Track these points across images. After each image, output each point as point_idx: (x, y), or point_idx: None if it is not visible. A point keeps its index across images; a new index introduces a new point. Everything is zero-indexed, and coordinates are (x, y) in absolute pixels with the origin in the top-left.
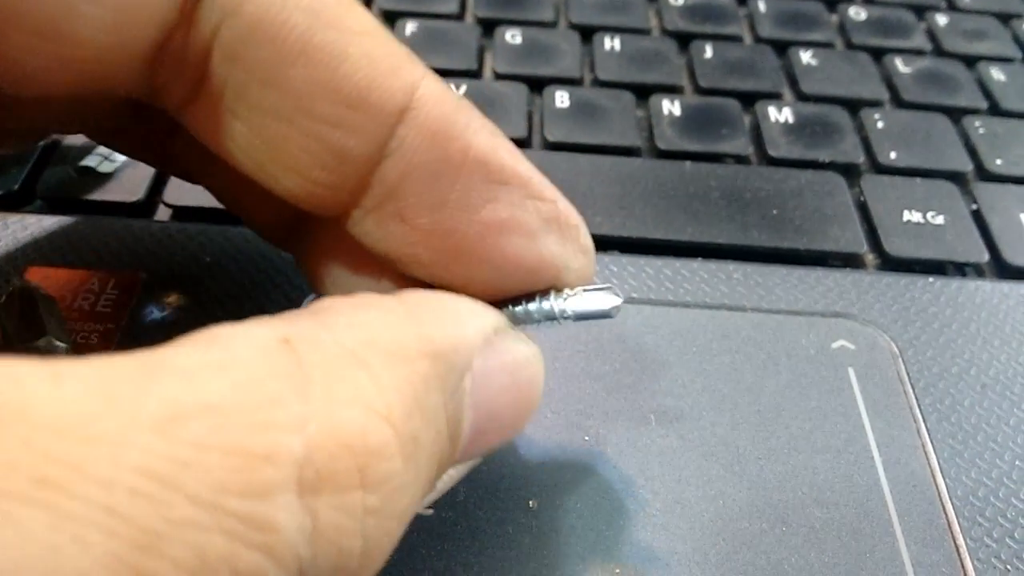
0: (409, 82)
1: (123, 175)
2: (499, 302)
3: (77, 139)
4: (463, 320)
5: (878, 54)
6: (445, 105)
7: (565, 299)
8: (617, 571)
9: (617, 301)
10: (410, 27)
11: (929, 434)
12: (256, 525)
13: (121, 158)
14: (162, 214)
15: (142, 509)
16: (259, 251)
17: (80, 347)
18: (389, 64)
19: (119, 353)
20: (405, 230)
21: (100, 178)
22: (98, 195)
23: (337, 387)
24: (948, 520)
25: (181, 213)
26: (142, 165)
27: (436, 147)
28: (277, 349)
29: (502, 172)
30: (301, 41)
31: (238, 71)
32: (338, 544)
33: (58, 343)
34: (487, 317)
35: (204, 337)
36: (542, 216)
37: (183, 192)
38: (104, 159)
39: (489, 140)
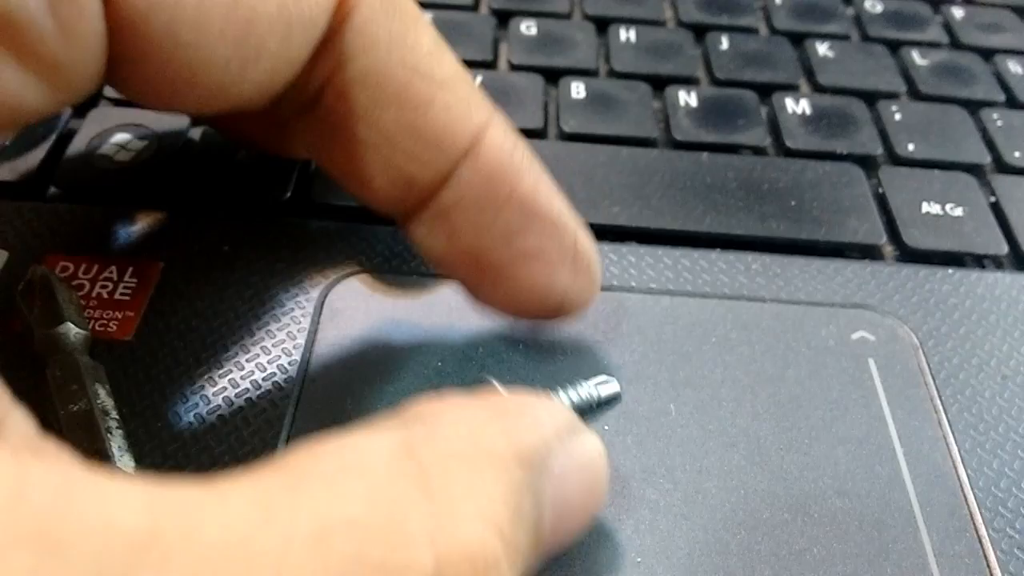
0: (476, 128)
1: (140, 164)
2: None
3: (94, 128)
4: (542, 422)
5: (894, 46)
6: (502, 151)
7: (597, 386)
8: (638, 560)
9: (619, 388)
10: (425, 18)
11: (950, 425)
12: None
13: (138, 146)
14: (180, 203)
15: None
16: (277, 241)
17: (99, 334)
18: (462, 111)
19: (265, 465)
20: (449, 243)
21: (117, 167)
22: (115, 184)
23: (456, 496)
24: (970, 510)
25: (199, 202)
26: (159, 154)
27: (488, 185)
28: (402, 458)
29: (537, 210)
30: (398, 90)
31: (341, 106)
32: None
33: (77, 330)
34: (561, 417)
35: (333, 447)
36: (562, 250)
37: (202, 182)
38: (121, 148)
39: (532, 182)
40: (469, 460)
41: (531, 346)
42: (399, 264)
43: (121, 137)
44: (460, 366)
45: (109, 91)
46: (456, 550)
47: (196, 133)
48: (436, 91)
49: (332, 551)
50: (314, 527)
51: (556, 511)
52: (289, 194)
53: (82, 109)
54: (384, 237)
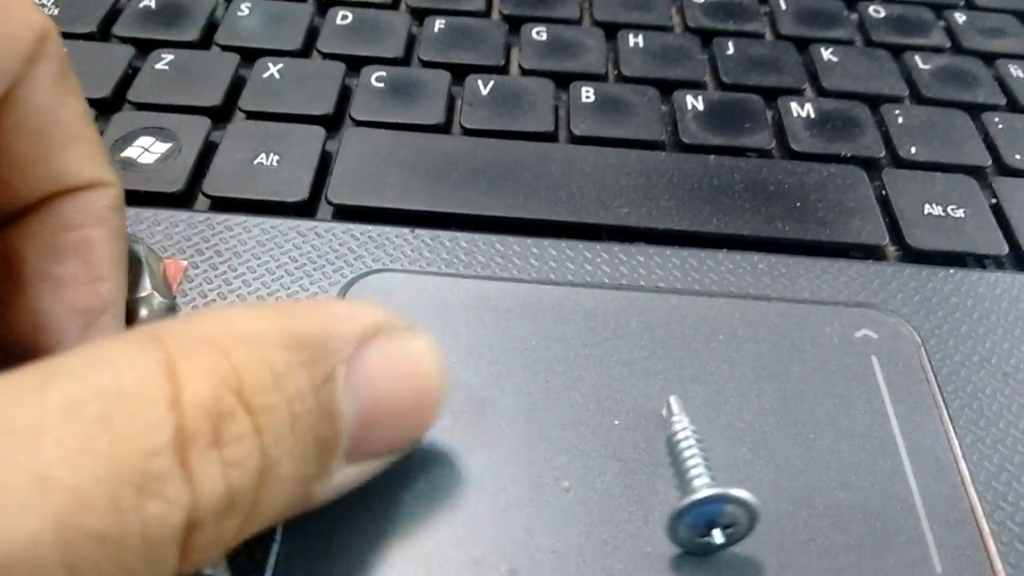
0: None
1: (163, 166)
2: None
3: (118, 130)
4: (335, 317)
5: (897, 51)
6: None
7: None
8: (647, 550)
9: None
10: (438, 24)
11: (951, 420)
12: (153, 478)
13: (161, 149)
14: (201, 204)
15: (70, 475)
16: (298, 240)
17: None
18: None
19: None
20: None
21: (141, 169)
22: (139, 186)
23: (196, 367)
24: (971, 504)
25: (220, 204)
26: (182, 157)
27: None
28: (146, 342)
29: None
30: None
31: None
32: (208, 488)
33: (160, 299)
34: (367, 316)
35: (86, 346)
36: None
37: (223, 184)
38: (144, 150)
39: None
40: (213, 340)
41: (546, 341)
42: (417, 263)
43: (145, 139)
44: (479, 362)
45: (132, 95)
46: (192, 405)
47: (218, 136)
48: None
49: (86, 414)
50: (66, 399)
51: (363, 404)
52: (307, 195)
53: (106, 112)
54: (402, 237)
